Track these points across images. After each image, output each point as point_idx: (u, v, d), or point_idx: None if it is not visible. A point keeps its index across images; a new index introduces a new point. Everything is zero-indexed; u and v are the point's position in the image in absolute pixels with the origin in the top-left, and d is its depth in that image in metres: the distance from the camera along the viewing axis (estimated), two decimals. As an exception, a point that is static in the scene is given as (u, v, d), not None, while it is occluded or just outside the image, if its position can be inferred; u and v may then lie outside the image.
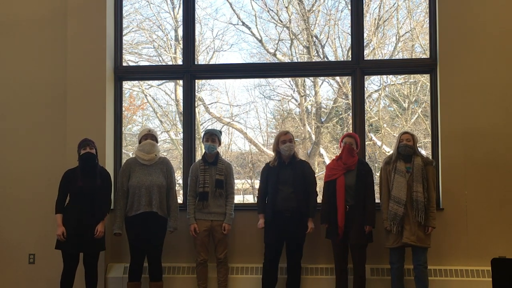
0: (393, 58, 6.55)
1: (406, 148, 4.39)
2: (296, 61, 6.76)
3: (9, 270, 5.16)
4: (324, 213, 4.49)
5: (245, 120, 6.87)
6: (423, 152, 4.62)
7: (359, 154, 4.88)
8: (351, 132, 4.94)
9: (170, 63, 6.97)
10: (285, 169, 4.56)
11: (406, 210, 4.32)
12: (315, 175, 4.75)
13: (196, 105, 5.54)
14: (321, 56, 6.73)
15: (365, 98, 5.20)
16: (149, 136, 4.61)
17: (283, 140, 4.55)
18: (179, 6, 6.60)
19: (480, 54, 4.81)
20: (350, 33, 5.24)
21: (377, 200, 4.67)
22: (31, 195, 5.14)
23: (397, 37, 6.87)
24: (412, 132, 4.51)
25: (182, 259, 5.00)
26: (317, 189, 4.67)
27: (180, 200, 5.22)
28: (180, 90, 6.32)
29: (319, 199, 4.64)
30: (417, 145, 4.48)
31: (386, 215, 4.41)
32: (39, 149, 5.19)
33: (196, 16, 5.42)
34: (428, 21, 5.17)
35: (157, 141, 4.69)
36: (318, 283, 4.79)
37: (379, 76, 6.50)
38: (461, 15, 4.84)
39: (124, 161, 5.26)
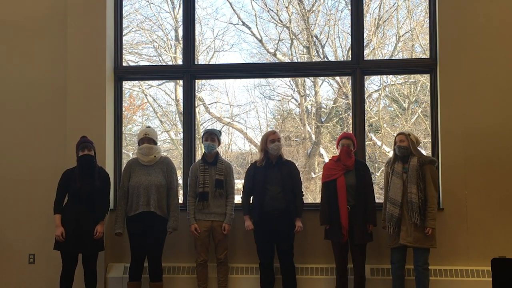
0: (393, 58, 6.55)
1: (400, 149, 4.39)
2: (296, 61, 6.76)
3: (9, 270, 5.16)
4: (324, 214, 4.49)
5: (245, 120, 6.87)
6: (423, 152, 4.60)
7: (358, 154, 4.89)
8: (347, 132, 4.94)
9: (170, 63, 6.97)
10: (272, 169, 4.57)
11: (402, 211, 4.32)
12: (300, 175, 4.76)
13: (196, 105, 5.54)
14: (321, 56, 6.73)
15: (365, 98, 5.21)
16: (145, 140, 4.60)
17: (272, 139, 4.56)
18: (179, 6, 6.60)
19: (480, 54, 4.81)
20: (350, 33, 5.25)
21: (381, 201, 4.67)
22: (31, 195, 5.14)
23: (397, 37, 6.87)
24: (409, 132, 4.45)
25: (182, 259, 5.00)
26: (315, 189, 4.68)
27: (180, 200, 5.22)
28: (180, 90, 6.32)
29: (311, 199, 4.64)
30: (416, 145, 4.44)
31: (384, 215, 4.44)
32: (39, 149, 5.19)
33: (196, 16, 5.42)
34: (428, 21, 5.17)
35: (155, 143, 4.67)
36: (317, 283, 4.79)
37: (379, 76, 6.49)
38: (461, 15, 4.85)
39: (124, 161, 5.28)
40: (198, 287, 4.71)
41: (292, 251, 4.56)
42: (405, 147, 4.37)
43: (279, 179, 4.52)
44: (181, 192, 5.25)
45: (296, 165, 4.82)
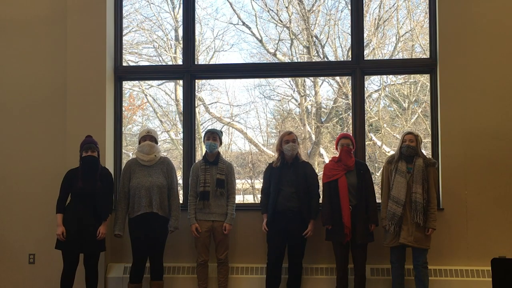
0: (393, 58, 6.54)
1: (408, 149, 4.39)
2: (296, 61, 6.75)
3: (9, 270, 5.16)
4: (326, 215, 4.49)
5: (245, 120, 6.86)
6: (425, 153, 4.61)
7: (358, 154, 4.89)
8: (345, 132, 4.95)
9: (170, 63, 6.96)
10: (287, 170, 4.56)
11: (405, 210, 4.33)
12: (318, 177, 4.75)
13: (196, 105, 5.54)
14: (321, 56, 6.72)
15: (365, 98, 5.21)
16: (147, 138, 4.61)
17: (286, 140, 4.57)
18: (179, 6, 6.59)
19: (480, 54, 4.81)
20: (350, 33, 5.25)
21: (378, 200, 4.68)
22: (31, 195, 5.14)
23: (397, 37, 6.87)
24: (417, 133, 4.49)
25: (183, 259, 5.00)
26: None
27: (180, 200, 5.22)
28: (180, 90, 6.31)
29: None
30: (421, 146, 4.46)
31: (385, 214, 4.43)
32: (39, 149, 5.20)
33: (196, 16, 5.43)
34: (428, 21, 5.17)
35: (156, 142, 4.68)
36: (318, 283, 4.80)
37: (379, 76, 6.49)
38: (461, 15, 4.85)
39: (124, 161, 5.28)
40: (198, 287, 4.71)
41: (302, 252, 4.54)
42: (414, 147, 4.38)
43: (293, 180, 4.51)
44: (181, 192, 5.26)
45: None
